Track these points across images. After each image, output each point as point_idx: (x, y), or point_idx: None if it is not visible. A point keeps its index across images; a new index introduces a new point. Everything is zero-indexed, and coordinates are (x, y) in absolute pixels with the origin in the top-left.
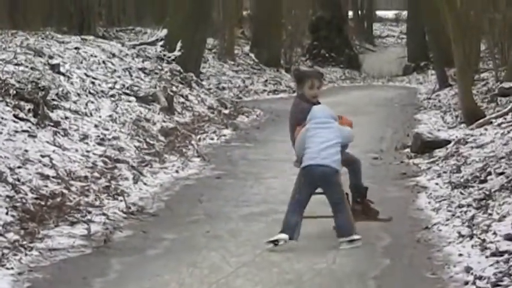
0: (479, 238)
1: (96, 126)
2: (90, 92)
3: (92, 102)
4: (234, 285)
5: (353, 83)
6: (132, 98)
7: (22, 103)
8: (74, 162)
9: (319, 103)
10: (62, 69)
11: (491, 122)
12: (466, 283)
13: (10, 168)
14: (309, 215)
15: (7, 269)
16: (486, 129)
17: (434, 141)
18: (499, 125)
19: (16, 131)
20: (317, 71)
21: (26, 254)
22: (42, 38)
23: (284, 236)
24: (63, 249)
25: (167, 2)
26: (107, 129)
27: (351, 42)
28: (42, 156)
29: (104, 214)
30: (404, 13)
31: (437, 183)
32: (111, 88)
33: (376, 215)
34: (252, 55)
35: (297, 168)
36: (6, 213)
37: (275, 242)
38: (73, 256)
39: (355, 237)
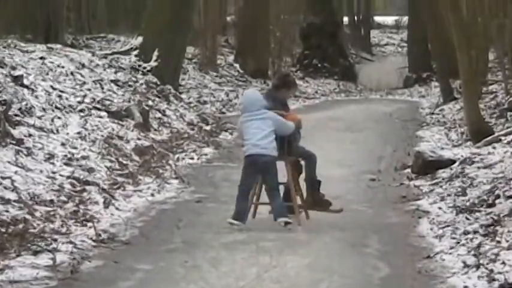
0: (486, 268)
1: (63, 144)
2: (56, 107)
3: (59, 117)
4: None
5: (348, 97)
6: (104, 113)
7: None
8: (38, 184)
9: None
10: (25, 82)
11: (500, 140)
12: None
13: None
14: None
15: None
16: (494, 148)
17: (438, 160)
18: (508, 142)
19: None
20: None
21: None
22: (4, 47)
23: (238, 222)
24: (25, 281)
25: (142, 6)
26: (75, 148)
27: (346, 51)
28: (3, 178)
29: (71, 242)
30: (405, 19)
31: (440, 208)
32: (80, 102)
33: (328, 206)
34: (237, 65)
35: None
36: None
37: (232, 223)
38: None
39: (289, 220)
